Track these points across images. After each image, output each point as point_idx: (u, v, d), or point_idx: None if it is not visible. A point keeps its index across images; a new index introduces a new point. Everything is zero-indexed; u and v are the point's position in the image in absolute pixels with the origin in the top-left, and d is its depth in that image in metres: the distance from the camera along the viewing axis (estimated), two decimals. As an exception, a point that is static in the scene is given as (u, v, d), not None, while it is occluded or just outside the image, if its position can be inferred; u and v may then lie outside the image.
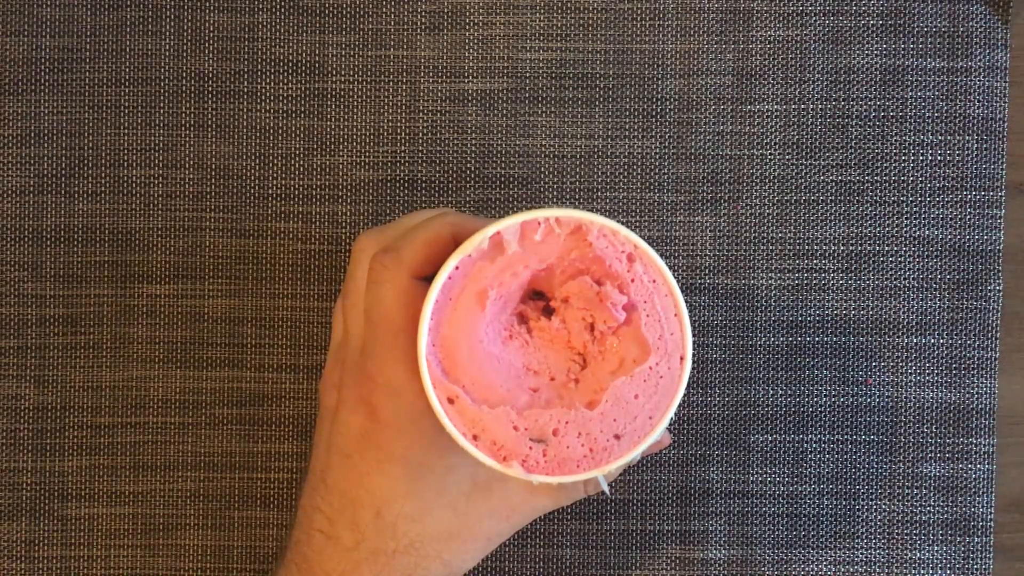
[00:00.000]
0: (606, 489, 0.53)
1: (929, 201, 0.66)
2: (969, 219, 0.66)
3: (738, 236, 0.66)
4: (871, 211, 0.66)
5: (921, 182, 0.66)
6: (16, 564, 0.66)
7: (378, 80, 0.66)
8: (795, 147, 0.66)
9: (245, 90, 0.66)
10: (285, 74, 0.66)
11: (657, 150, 0.66)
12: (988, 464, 0.66)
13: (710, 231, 0.66)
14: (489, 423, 0.50)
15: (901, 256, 0.66)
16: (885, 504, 0.66)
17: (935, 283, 0.66)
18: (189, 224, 0.66)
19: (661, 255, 0.52)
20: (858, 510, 0.66)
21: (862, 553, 0.66)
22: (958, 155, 0.66)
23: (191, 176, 0.66)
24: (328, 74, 0.66)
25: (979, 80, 0.66)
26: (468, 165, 0.66)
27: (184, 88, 0.66)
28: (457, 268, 0.50)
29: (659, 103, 0.66)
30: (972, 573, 0.66)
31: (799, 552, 0.66)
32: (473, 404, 0.50)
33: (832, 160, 0.66)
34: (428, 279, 0.51)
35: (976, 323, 0.66)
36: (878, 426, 0.66)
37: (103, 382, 0.66)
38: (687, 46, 0.66)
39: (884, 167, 0.66)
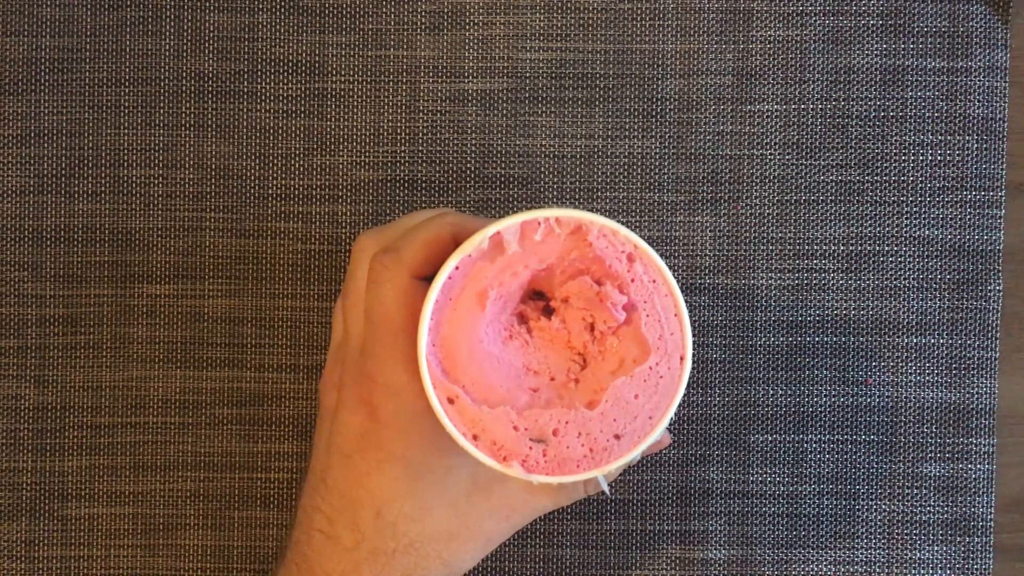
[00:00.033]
0: (606, 489, 0.53)
1: (929, 201, 0.66)
2: (969, 219, 0.66)
3: (738, 236, 0.66)
4: (871, 211, 0.66)
5: (921, 182, 0.66)
6: (16, 564, 0.66)
7: (378, 80, 0.66)
8: (795, 147, 0.66)
9: (245, 90, 0.66)
10: (285, 74, 0.66)
11: (657, 150, 0.66)
12: (988, 464, 0.66)
13: (710, 231, 0.66)
14: (489, 423, 0.50)
15: (901, 256, 0.66)
16: (885, 504, 0.66)
17: (935, 283, 0.66)
18: (189, 224, 0.66)
19: (661, 255, 0.52)
20: (858, 510, 0.66)
21: (862, 553, 0.66)
22: (958, 155, 0.66)
23: (191, 176, 0.66)
24: (328, 74, 0.66)
25: (979, 80, 0.66)
26: (468, 165, 0.66)
27: (184, 88, 0.66)
28: (457, 268, 0.50)
29: (659, 103, 0.66)
30: (972, 573, 0.66)
31: (799, 552, 0.66)
32: (473, 404, 0.50)
33: (832, 160, 0.66)
34: (428, 279, 0.51)
35: (976, 323, 0.66)
36: (878, 426, 0.66)
37: (103, 382, 0.66)
38: (687, 46, 0.66)
39: (884, 167, 0.66)
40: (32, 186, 0.66)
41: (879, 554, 0.66)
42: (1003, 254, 0.66)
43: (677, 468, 0.66)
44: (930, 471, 0.66)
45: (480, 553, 0.55)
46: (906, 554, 0.66)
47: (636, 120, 0.66)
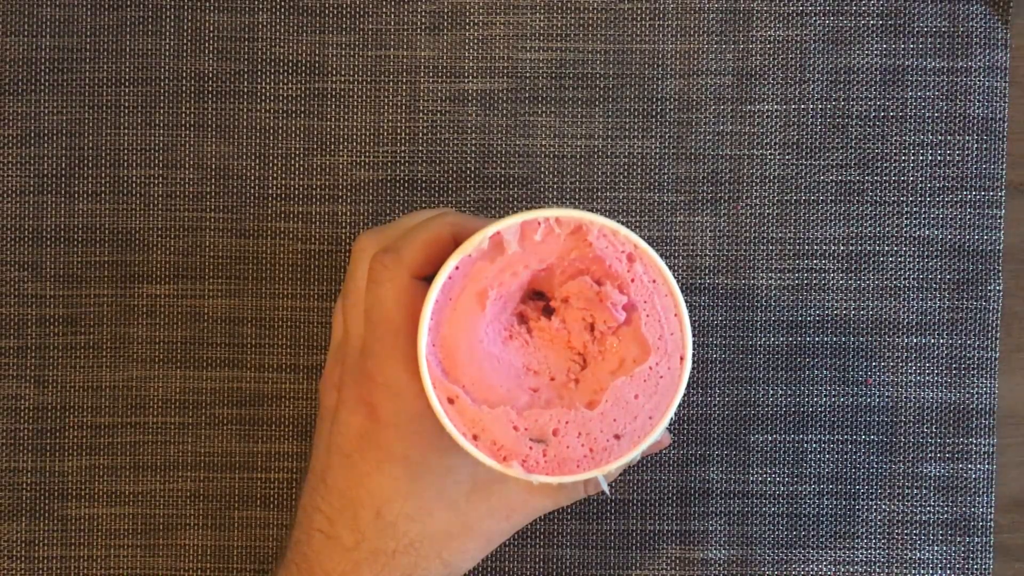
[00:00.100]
0: (606, 489, 0.53)
1: (929, 201, 0.66)
2: (969, 219, 0.66)
3: (738, 236, 0.66)
4: (871, 211, 0.66)
5: (921, 182, 0.66)
6: (16, 564, 0.66)
7: (378, 80, 0.66)
8: (795, 147, 0.66)
9: (245, 90, 0.66)
10: (285, 74, 0.66)
11: (657, 150, 0.66)
12: (988, 464, 0.66)
13: (710, 231, 0.66)
14: (489, 423, 0.50)
15: (901, 256, 0.66)
16: (885, 504, 0.66)
17: (935, 283, 0.66)
18: (189, 224, 0.66)
19: (661, 255, 0.52)
20: (858, 510, 0.66)
21: (862, 553, 0.66)
22: (958, 155, 0.66)
23: (191, 176, 0.66)
24: (328, 74, 0.66)
25: (979, 80, 0.66)
26: (468, 165, 0.66)
27: (184, 88, 0.66)
28: (457, 268, 0.50)
29: (659, 103, 0.66)
30: (972, 573, 0.66)
31: (799, 552, 0.66)
32: (473, 404, 0.50)
33: (832, 160, 0.66)
34: (428, 279, 0.51)
35: (976, 323, 0.66)
36: (878, 426, 0.66)
37: (103, 382, 0.66)
38: (687, 46, 0.66)
39: (884, 167, 0.66)
40: (32, 186, 0.66)
41: (879, 554, 0.66)
42: (1003, 254, 0.66)
43: (677, 468, 0.66)
44: (930, 471, 0.66)
45: (480, 553, 0.55)
46: (906, 554, 0.66)
47: (636, 120, 0.66)
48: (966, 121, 0.66)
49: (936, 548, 0.66)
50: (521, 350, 0.52)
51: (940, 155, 0.66)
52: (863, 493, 0.66)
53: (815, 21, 0.66)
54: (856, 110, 0.66)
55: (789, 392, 0.66)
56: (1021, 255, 0.66)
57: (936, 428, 0.66)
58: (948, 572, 0.66)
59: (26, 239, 0.66)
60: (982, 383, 0.66)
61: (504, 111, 0.66)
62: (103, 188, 0.66)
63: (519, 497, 0.54)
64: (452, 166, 0.66)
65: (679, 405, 0.52)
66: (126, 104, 0.66)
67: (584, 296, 0.51)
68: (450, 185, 0.66)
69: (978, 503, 0.66)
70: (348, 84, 0.66)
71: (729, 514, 0.66)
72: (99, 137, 0.66)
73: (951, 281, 0.66)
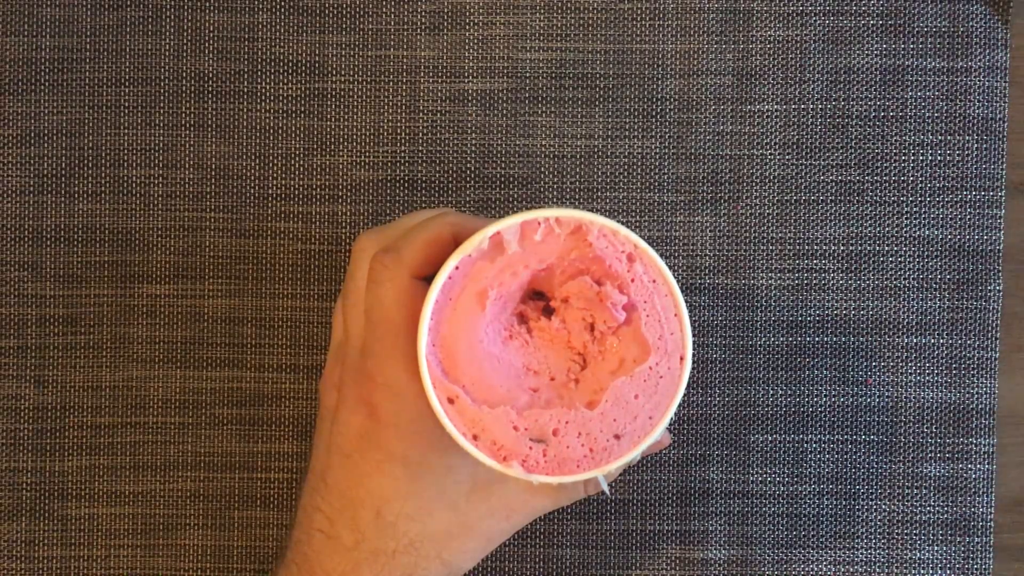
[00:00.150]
0: (606, 489, 0.53)
1: (929, 201, 0.66)
2: (969, 219, 0.66)
3: (738, 236, 0.66)
4: (871, 211, 0.66)
5: (921, 182, 0.66)
6: (16, 564, 0.66)
7: (378, 80, 0.66)
8: (795, 147, 0.66)
9: (245, 90, 0.66)
10: (285, 74, 0.66)
11: (657, 150, 0.66)
12: (988, 464, 0.66)
13: (710, 231, 0.66)
14: (489, 423, 0.50)
15: (901, 256, 0.66)
16: (885, 504, 0.66)
17: (935, 283, 0.66)
18: (189, 224, 0.66)
19: (661, 255, 0.52)
20: (858, 510, 0.66)
21: (862, 553, 0.66)
22: (958, 155, 0.66)
23: (191, 176, 0.66)
24: (328, 74, 0.66)
25: (979, 80, 0.66)
26: (468, 165, 0.66)
27: (184, 88, 0.66)
28: (457, 268, 0.50)
29: (659, 103, 0.66)
30: (972, 573, 0.66)
31: (799, 552, 0.66)
32: (473, 404, 0.50)
33: (832, 160, 0.66)
34: (428, 279, 0.51)
35: (976, 323, 0.66)
36: (878, 426, 0.66)
37: (103, 382, 0.66)
38: (687, 46, 0.66)
39: (884, 167, 0.66)
40: (32, 186, 0.66)
41: (879, 554, 0.66)
42: (1003, 254, 0.66)
43: (677, 468, 0.66)
44: (930, 471, 0.66)
45: (480, 553, 0.55)
46: (906, 554, 0.66)
47: (636, 120, 0.66)
48: (966, 121, 0.66)
49: (936, 548, 0.66)
50: (521, 350, 0.52)
51: (940, 155, 0.66)
52: (863, 493, 0.66)
53: (815, 21, 0.66)
54: (856, 110, 0.66)
55: (789, 392, 0.66)
56: (1021, 255, 0.66)
57: (936, 428, 0.66)
58: (948, 572, 0.66)
59: (26, 239, 0.66)
60: (982, 383, 0.66)
61: (504, 111, 0.66)
62: (103, 188, 0.66)
63: (519, 497, 0.54)
64: (452, 166, 0.66)
65: (679, 405, 0.52)
66: (126, 104, 0.66)
67: (584, 296, 0.51)
68: (450, 185, 0.66)
69: (978, 503, 0.66)
70: (348, 84, 0.66)
71: (729, 514, 0.66)
72: (99, 137, 0.66)
73: (951, 281, 0.66)
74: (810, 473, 0.66)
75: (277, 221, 0.66)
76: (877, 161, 0.66)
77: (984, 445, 0.66)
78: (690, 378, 0.53)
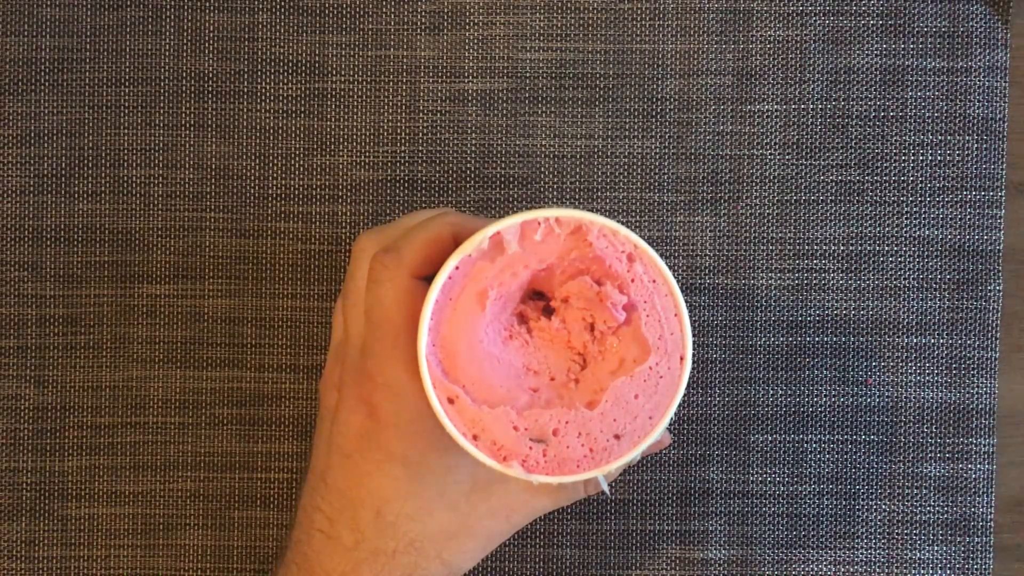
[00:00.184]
0: (606, 489, 0.53)
1: (929, 201, 0.66)
2: (969, 219, 0.66)
3: (738, 236, 0.66)
4: (871, 211, 0.66)
5: (921, 182, 0.66)
6: (16, 564, 0.66)
7: (378, 80, 0.66)
8: (795, 147, 0.66)
9: (245, 90, 0.66)
10: (285, 74, 0.66)
11: (657, 150, 0.66)
12: (988, 464, 0.66)
13: (710, 231, 0.66)
14: (489, 423, 0.50)
15: (901, 256, 0.66)
16: (885, 504, 0.66)
17: (935, 283, 0.66)
18: (189, 224, 0.66)
19: (661, 255, 0.52)
20: (858, 510, 0.66)
21: (862, 553, 0.66)
22: (958, 155, 0.66)
23: (191, 176, 0.66)
24: (328, 74, 0.66)
25: (979, 80, 0.66)
26: (468, 165, 0.66)
27: (184, 88, 0.66)
28: (457, 268, 0.50)
29: (659, 103, 0.66)
30: (972, 573, 0.66)
31: (799, 552, 0.66)
32: (473, 404, 0.50)
33: (832, 160, 0.66)
34: (428, 279, 0.51)
35: (976, 323, 0.66)
36: (878, 426, 0.66)
37: (103, 382, 0.66)
38: (687, 46, 0.66)
39: (884, 167, 0.66)
40: (32, 186, 0.66)
41: (879, 554, 0.66)
42: (1003, 254, 0.66)
43: (677, 468, 0.66)
44: (930, 471, 0.66)
45: (480, 553, 0.55)
46: (906, 554, 0.66)
47: (636, 120, 0.66)
48: (966, 121, 0.66)
49: (936, 548, 0.66)
50: (521, 350, 0.52)
51: (940, 155, 0.66)
52: (863, 493, 0.66)
53: (815, 21, 0.66)
54: (856, 110, 0.66)
55: (789, 392, 0.66)
56: (1021, 255, 0.66)
57: (936, 428, 0.66)
58: (948, 572, 0.66)
59: (26, 239, 0.66)
60: (982, 383, 0.66)
61: (504, 111, 0.66)
62: (103, 188, 0.66)
63: (519, 497, 0.54)
64: (452, 166, 0.66)
65: (679, 405, 0.52)
66: (126, 104, 0.66)
67: (584, 296, 0.51)
68: (450, 185, 0.66)
69: (978, 503, 0.66)
70: (348, 84, 0.66)
71: (729, 514, 0.66)
72: (99, 137, 0.66)
73: (951, 281, 0.66)
74: (810, 473, 0.66)
75: (277, 221, 0.66)
76: (877, 161, 0.66)
77: (984, 445, 0.66)
78: (690, 378, 0.53)
